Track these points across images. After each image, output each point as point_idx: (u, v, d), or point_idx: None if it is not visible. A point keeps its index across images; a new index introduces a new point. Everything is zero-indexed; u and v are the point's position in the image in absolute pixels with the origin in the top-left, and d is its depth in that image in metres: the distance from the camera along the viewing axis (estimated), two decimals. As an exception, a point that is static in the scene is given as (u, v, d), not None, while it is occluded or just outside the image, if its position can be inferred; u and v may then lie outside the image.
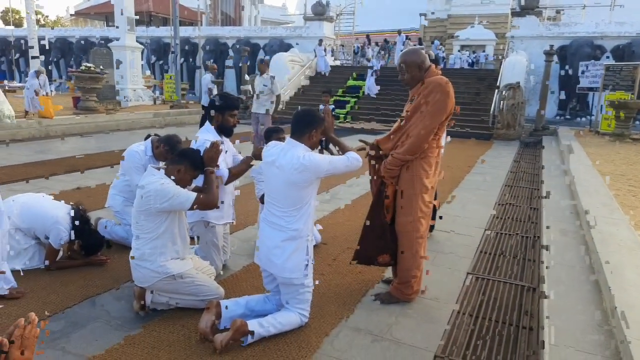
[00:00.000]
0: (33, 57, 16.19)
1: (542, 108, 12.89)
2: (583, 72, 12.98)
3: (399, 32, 22.49)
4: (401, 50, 22.28)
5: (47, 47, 21.76)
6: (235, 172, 3.31)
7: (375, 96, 16.40)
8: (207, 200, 2.82)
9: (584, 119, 15.70)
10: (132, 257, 2.80)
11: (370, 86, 16.43)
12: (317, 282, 2.90)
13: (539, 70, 15.09)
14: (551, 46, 12.89)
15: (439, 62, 4.65)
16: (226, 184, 3.26)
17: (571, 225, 4.62)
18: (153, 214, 2.71)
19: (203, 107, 11.77)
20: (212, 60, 21.90)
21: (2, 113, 2.65)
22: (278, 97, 8.60)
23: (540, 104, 13.00)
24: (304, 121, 2.71)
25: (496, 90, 13.96)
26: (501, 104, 12.82)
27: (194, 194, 2.76)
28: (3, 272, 1.56)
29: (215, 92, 11.94)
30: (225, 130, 3.36)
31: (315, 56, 18.67)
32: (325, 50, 18.77)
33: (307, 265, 2.68)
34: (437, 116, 2.89)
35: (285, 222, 2.64)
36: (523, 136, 12.72)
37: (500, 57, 20.72)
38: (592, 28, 16.41)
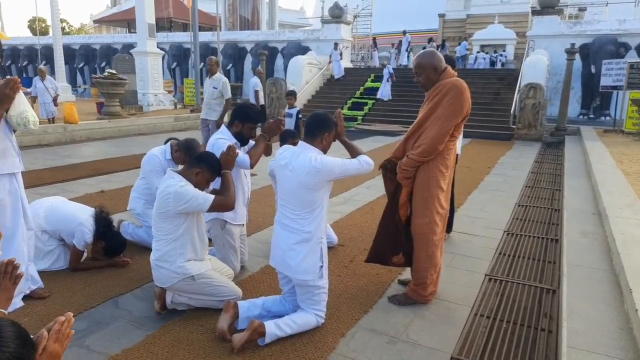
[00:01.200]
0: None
1: (564, 107, 12.67)
2: (606, 71, 12.69)
3: (404, 32, 22.40)
4: (406, 51, 22.20)
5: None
6: (254, 154, 3.33)
7: (387, 100, 16.29)
8: (224, 202, 2.88)
9: (607, 118, 15.36)
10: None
11: (384, 91, 16.29)
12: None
13: (561, 69, 14.85)
14: (572, 44, 12.65)
15: (456, 63, 4.61)
16: (251, 166, 3.32)
17: (593, 227, 4.54)
18: (172, 216, 2.78)
19: None
20: (231, 65, 22.19)
21: (27, 119, 2.76)
22: (228, 101, 7.35)
23: (562, 104, 12.77)
24: (317, 124, 2.76)
25: (516, 90, 13.78)
26: (522, 103, 12.65)
27: (212, 196, 2.82)
28: (21, 275, 1.65)
29: (261, 94, 12.28)
30: (241, 139, 3.41)
31: (331, 61, 18.70)
32: (341, 54, 18.76)
33: (321, 266, 2.71)
34: (452, 118, 2.89)
35: (298, 224, 2.68)
36: (545, 136, 12.52)
37: (520, 56, 20.44)
38: (615, 25, 16.04)
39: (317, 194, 2.66)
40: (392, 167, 3.12)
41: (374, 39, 25.33)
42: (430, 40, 26.94)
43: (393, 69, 17.58)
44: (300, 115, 7.35)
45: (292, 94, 7.70)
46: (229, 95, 7.30)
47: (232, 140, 3.31)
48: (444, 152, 2.97)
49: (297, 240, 2.67)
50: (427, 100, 3.05)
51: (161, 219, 2.81)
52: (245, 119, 3.38)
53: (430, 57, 3.01)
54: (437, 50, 18.37)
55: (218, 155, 3.05)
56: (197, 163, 2.93)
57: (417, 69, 3.02)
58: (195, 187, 2.83)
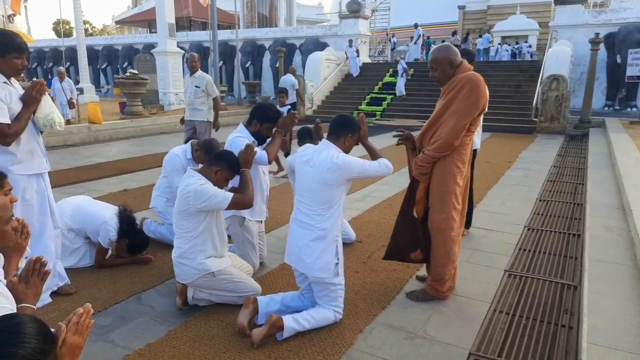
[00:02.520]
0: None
1: (588, 99, 12.37)
2: (633, 60, 12.33)
3: (416, 25, 22.10)
4: (415, 44, 21.87)
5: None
6: (271, 150, 3.37)
7: (400, 96, 16.16)
8: (243, 200, 2.94)
9: (634, 109, 14.94)
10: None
11: (401, 87, 16.22)
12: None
13: (585, 59, 14.49)
14: (597, 34, 12.33)
15: (475, 56, 4.54)
16: (269, 162, 3.38)
17: (616, 221, 4.45)
18: (192, 214, 2.84)
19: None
20: (250, 62, 22.32)
21: (53, 121, 2.87)
22: (216, 100, 6.78)
23: (586, 95, 12.48)
24: (342, 125, 2.82)
25: (539, 82, 13.51)
26: (544, 95, 12.40)
27: (230, 194, 2.87)
28: (49, 272, 1.72)
29: (296, 86, 12.44)
30: (259, 138, 3.45)
31: (347, 57, 18.62)
32: (357, 51, 18.65)
33: (336, 264, 2.75)
34: (468, 113, 2.87)
35: (314, 221, 2.71)
36: (568, 129, 12.26)
37: (543, 47, 20.00)
38: (642, 13, 15.57)
39: (335, 191, 2.70)
40: (410, 138, 3.19)
41: (387, 33, 25.15)
42: (454, 33, 26.61)
43: (407, 63, 17.44)
44: None
45: (283, 92, 7.41)
46: (216, 93, 6.74)
47: (250, 139, 3.36)
48: (461, 147, 2.95)
49: (313, 237, 2.71)
50: (442, 95, 3.03)
51: (182, 217, 2.88)
52: (264, 118, 3.41)
53: (446, 51, 2.99)
54: (461, 43, 18.10)
55: (236, 153, 3.10)
56: (216, 161, 2.98)
57: (432, 63, 3.01)
58: (215, 185, 2.89)
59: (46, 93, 2.88)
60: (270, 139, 3.48)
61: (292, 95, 12.16)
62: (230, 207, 2.89)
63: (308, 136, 4.01)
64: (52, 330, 1.29)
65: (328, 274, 2.72)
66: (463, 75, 2.92)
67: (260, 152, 3.26)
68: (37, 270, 1.65)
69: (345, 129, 2.80)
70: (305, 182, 2.77)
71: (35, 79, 2.87)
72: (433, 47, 21.55)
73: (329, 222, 2.70)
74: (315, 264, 2.70)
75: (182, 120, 7.08)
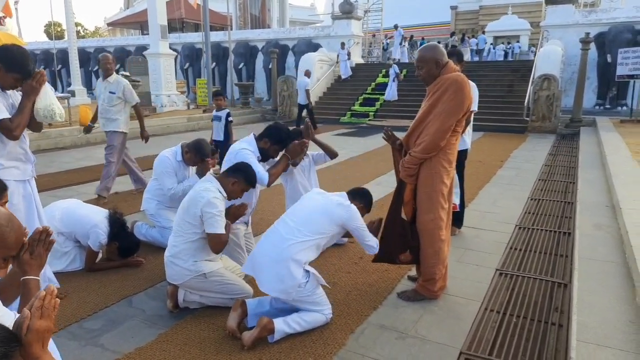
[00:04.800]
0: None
1: (579, 98, 12.46)
2: (623, 59, 12.44)
3: (396, 26, 22.21)
4: (400, 45, 21.96)
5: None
6: (274, 173, 3.39)
7: (393, 101, 16.09)
8: (222, 242, 2.90)
9: (624, 108, 15.06)
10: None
11: (390, 92, 16.05)
12: (329, 286, 3.01)
13: (576, 59, 14.59)
14: (587, 34, 12.42)
15: (463, 57, 4.55)
16: (268, 185, 3.37)
17: (606, 219, 4.49)
18: (199, 218, 2.85)
19: (299, 105, 13.18)
20: (243, 64, 22.29)
21: (53, 112, 2.85)
22: (137, 107, 5.87)
23: (577, 94, 12.57)
24: (363, 197, 3.17)
25: (530, 82, 13.59)
26: (535, 95, 12.48)
27: (222, 230, 2.84)
28: (54, 241, 1.70)
29: (310, 93, 13.09)
30: (264, 155, 3.44)
31: (338, 60, 18.63)
32: (348, 54, 18.67)
33: (303, 283, 2.70)
34: (453, 114, 2.89)
35: (291, 242, 2.72)
36: (559, 128, 12.34)
37: (535, 47, 20.14)
38: (632, 12, 15.67)
39: (329, 227, 2.84)
40: (396, 141, 3.23)
41: (374, 35, 25.23)
42: (452, 34, 26.74)
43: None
44: (230, 118, 6.62)
45: (220, 94, 6.92)
46: (135, 99, 5.80)
47: (256, 154, 3.37)
48: (447, 147, 2.97)
49: (282, 259, 2.70)
50: (428, 95, 3.05)
51: (188, 216, 2.87)
52: (276, 140, 3.41)
53: (432, 50, 3.01)
54: (459, 43, 18.15)
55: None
56: (234, 173, 3.01)
57: (419, 62, 3.03)
58: (229, 195, 2.96)
59: (46, 83, 2.86)
60: (276, 160, 3.50)
61: (303, 96, 12.85)
62: (209, 240, 2.86)
63: (300, 137, 4.01)
64: (15, 320, 1.25)
65: (291, 290, 2.69)
66: (448, 76, 2.94)
67: (262, 172, 3.26)
68: (43, 240, 1.62)
69: (364, 203, 3.15)
70: (308, 206, 2.93)
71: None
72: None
73: (303, 253, 2.72)
74: (276, 286, 2.69)
75: (87, 129, 6.66)
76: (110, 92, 5.67)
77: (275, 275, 2.68)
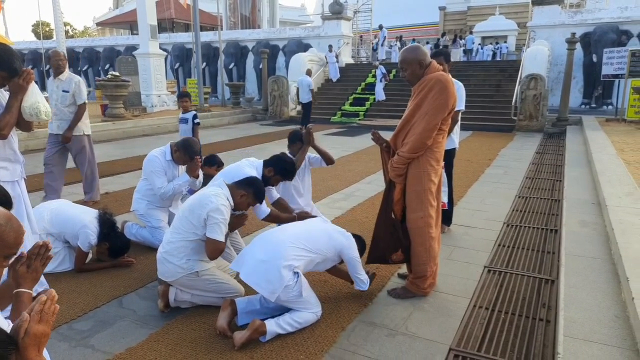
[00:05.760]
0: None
1: (566, 98, 12.63)
2: (608, 59, 12.63)
3: (380, 27, 22.35)
4: (382, 45, 22.11)
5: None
6: (273, 216, 3.53)
7: (381, 101, 16.19)
8: (218, 247, 2.90)
9: (610, 107, 15.29)
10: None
11: (380, 91, 16.24)
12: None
13: (562, 59, 14.79)
14: (573, 34, 12.59)
15: (449, 57, 4.60)
16: (264, 219, 3.51)
17: (592, 216, 4.56)
18: (202, 220, 2.86)
19: (303, 104, 13.17)
20: (233, 64, 22.24)
21: (39, 110, 2.80)
22: (82, 107, 5.35)
23: (563, 94, 12.73)
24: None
25: (517, 81, 13.74)
26: (523, 94, 12.62)
27: (222, 239, 2.85)
28: (51, 257, 1.69)
29: (311, 87, 13.26)
30: (266, 183, 3.49)
31: (327, 62, 18.66)
32: (337, 56, 18.70)
33: (291, 285, 2.72)
34: (438, 113, 2.93)
35: (288, 246, 2.76)
36: (546, 127, 12.49)
37: (522, 47, 20.34)
38: (617, 13, 15.94)
39: (327, 247, 2.92)
40: (383, 142, 3.27)
41: (362, 36, 25.32)
42: (443, 34, 26.91)
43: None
44: (196, 121, 6.32)
45: (186, 96, 6.57)
46: (83, 99, 5.34)
47: (259, 177, 3.46)
48: (434, 145, 3.01)
49: (278, 264, 2.71)
50: (413, 95, 3.09)
51: (193, 216, 2.88)
52: (280, 171, 3.49)
53: (414, 52, 3.05)
54: (450, 44, 18.36)
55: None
56: (245, 186, 3.04)
57: (402, 64, 3.07)
58: (236, 206, 3.00)
59: (33, 82, 2.84)
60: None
61: (308, 95, 13.09)
62: (207, 244, 2.88)
63: (299, 140, 4.05)
64: (11, 324, 1.27)
65: (278, 290, 2.70)
66: (432, 75, 2.98)
67: (263, 206, 3.37)
68: (41, 255, 1.62)
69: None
70: (315, 228, 3.03)
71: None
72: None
73: (299, 260, 2.76)
74: (267, 286, 2.70)
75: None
76: (64, 91, 5.26)
77: (264, 275, 2.69)
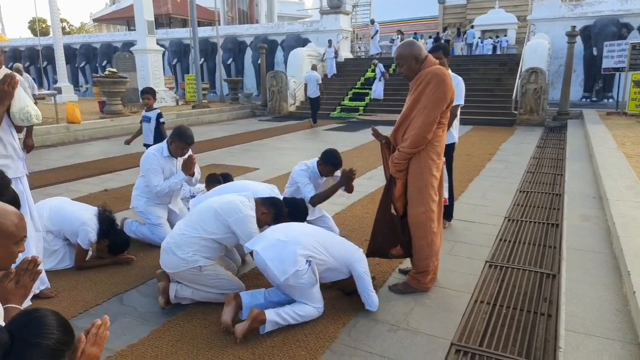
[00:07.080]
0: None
1: (566, 91, 12.59)
2: (608, 52, 12.59)
3: (372, 21, 22.24)
4: (372, 39, 21.96)
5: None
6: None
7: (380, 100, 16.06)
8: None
9: (610, 100, 15.26)
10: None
11: (378, 90, 16.03)
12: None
13: (562, 52, 14.73)
14: (573, 27, 12.54)
15: (449, 51, 4.58)
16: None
17: (593, 210, 4.55)
18: (225, 225, 2.89)
19: (311, 99, 13.13)
20: (231, 59, 22.16)
21: (29, 114, 2.79)
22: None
23: (564, 87, 12.69)
24: None
25: (518, 75, 13.70)
26: (523, 88, 12.58)
27: (252, 246, 2.84)
28: (40, 272, 1.68)
29: (319, 81, 13.24)
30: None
31: (325, 58, 18.58)
32: (335, 52, 18.61)
33: (302, 271, 2.72)
34: (437, 107, 2.92)
35: (308, 237, 2.84)
36: (547, 121, 12.46)
37: (522, 41, 20.27)
38: (617, 5, 15.86)
39: (339, 254, 2.93)
40: (383, 138, 3.28)
41: (354, 31, 25.17)
42: (445, 28, 26.80)
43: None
44: (161, 120, 6.02)
45: (149, 92, 6.14)
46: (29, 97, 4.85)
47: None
48: (434, 140, 3.00)
49: (294, 253, 2.74)
50: (411, 90, 3.08)
51: (217, 219, 2.91)
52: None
53: (410, 47, 3.04)
54: (453, 38, 18.33)
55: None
56: (268, 205, 3.09)
57: (398, 59, 3.06)
58: (257, 221, 3.01)
59: (19, 86, 2.81)
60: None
61: (316, 89, 13.14)
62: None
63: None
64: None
65: (289, 273, 2.70)
66: (429, 70, 2.97)
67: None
68: (30, 270, 1.62)
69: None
70: (331, 235, 3.12)
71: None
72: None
73: (312, 253, 2.80)
74: (278, 268, 2.71)
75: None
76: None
77: (280, 252, 2.71)
